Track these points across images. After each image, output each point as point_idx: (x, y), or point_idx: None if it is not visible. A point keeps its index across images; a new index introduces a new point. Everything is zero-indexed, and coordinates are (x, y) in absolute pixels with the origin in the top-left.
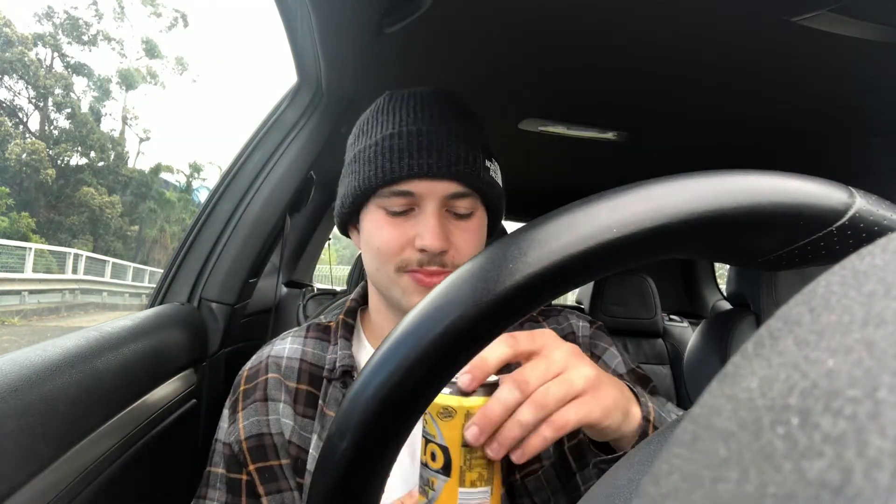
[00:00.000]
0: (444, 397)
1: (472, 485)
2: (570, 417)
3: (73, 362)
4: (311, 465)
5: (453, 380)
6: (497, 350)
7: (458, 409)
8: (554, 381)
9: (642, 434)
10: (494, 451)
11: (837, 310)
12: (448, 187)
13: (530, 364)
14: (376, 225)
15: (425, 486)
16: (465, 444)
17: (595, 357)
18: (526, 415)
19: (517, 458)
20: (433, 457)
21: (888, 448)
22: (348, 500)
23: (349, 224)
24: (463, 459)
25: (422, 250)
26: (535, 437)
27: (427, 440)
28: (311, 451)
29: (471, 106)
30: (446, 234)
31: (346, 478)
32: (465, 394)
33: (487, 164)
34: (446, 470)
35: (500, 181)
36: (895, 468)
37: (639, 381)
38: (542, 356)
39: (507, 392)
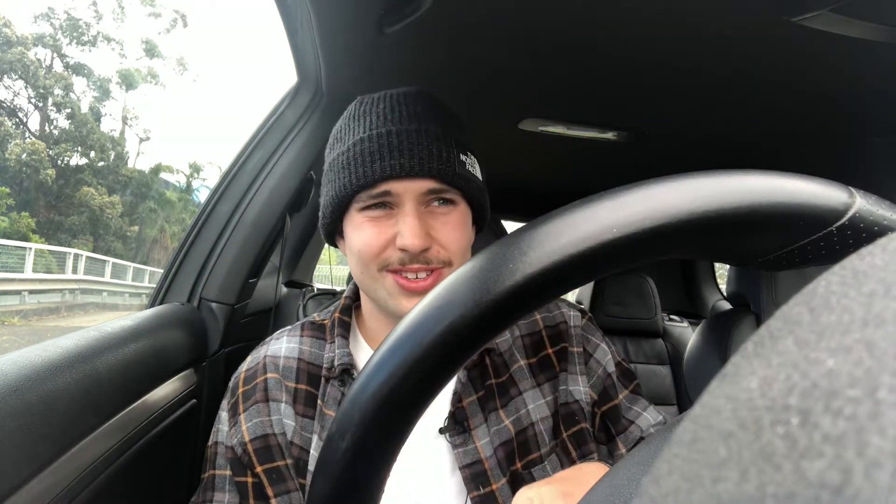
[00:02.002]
0: None
1: None
2: None
3: (73, 362)
4: (312, 465)
5: None
6: None
7: None
8: None
9: None
10: None
11: (837, 310)
12: (424, 185)
13: None
14: (357, 228)
15: None
16: None
17: (587, 354)
18: None
19: None
20: None
21: (888, 448)
22: (348, 500)
23: (335, 234)
24: None
25: (403, 249)
26: None
27: None
28: (311, 451)
29: (443, 101)
30: (427, 232)
31: (347, 478)
32: None
33: (463, 158)
34: None
35: (479, 174)
36: (895, 468)
37: (623, 375)
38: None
39: None
